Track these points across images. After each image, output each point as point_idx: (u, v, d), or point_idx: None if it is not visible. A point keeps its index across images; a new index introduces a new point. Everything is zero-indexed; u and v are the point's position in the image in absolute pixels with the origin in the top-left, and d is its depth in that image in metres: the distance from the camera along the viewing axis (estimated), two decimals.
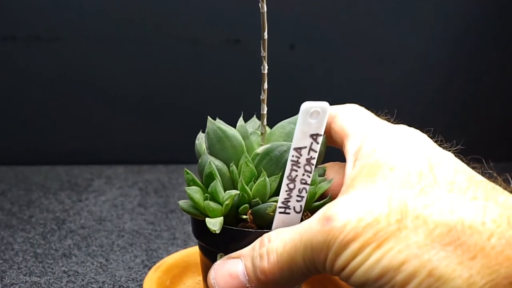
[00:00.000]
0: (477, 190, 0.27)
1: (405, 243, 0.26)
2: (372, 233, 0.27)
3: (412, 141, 0.31)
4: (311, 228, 0.29)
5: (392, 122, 0.35)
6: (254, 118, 0.39)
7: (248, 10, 0.74)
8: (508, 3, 0.79)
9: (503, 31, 0.80)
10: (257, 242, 0.32)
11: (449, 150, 0.32)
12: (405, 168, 0.29)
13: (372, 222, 0.27)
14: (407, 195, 0.28)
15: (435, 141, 0.32)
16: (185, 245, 0.56)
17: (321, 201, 0.36)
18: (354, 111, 0.36)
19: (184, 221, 0.62)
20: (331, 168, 0.38)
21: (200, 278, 0.45)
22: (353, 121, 0.35)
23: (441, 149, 0.31)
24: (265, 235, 0.32)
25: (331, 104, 0.32)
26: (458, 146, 0.33)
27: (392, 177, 0.29)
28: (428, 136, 0.33)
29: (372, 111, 0.36)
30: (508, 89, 0.83)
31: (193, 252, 0.47)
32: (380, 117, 0.36)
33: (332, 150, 0.38)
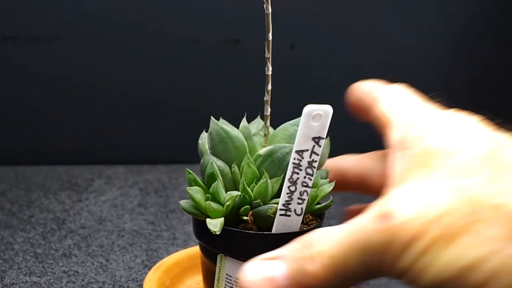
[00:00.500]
0: None
1: (481, 238, 0.23)
2: (439, 229, 0.24)
3: (465, 124, 0.28)
4: (366, 228, 0.26)
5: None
6: (258, 119, 0.39)
7: (248, 10, 0.74)
8: (508, 3, 0.79)
9: (503, 31, 0.80)
10: (298, 244, 0.28)
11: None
12: (463, 154, 0.26)
13: (437, 216, 0.24)
14: (474, 183, 0.25)
15: (490, 124, 0.29)
16: (185, 245, 0.56)
17: (323, 204, 0.36)
18: (399, 94, 0.32)
19: (184, 221, 0.62)
20: (372, 157, 0.35)
21: (200, 278, 0.45)
22: (397, 107, 0.31)
23: (501, 131, 0.28)
24: (308, 235, 0.28)
25: (331, 104, 0.32)
26: None
27: (450, 164, 0.26)
28: (483, 119, 0.29)
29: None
30: (508, 89, 0.83)
31: (193, 252, 0.47)
32: (430, 101, 0.32)
33: (336, 152, 0.37)
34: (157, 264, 0.45)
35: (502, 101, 0.83)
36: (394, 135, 0.30)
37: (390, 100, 0.32)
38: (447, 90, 0.90)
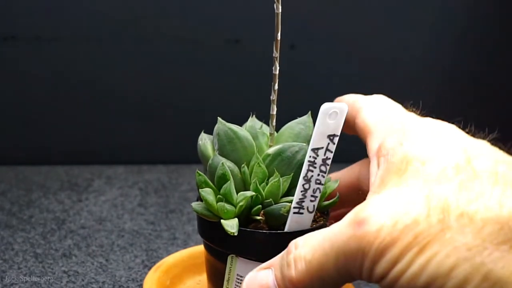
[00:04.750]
0: None
1: (451, 246, 0.24)
2: (412, 237, 0.24)
3: (442, 132, 0.29)
4: (342, 234, 0.26)
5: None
6: (254, 118, 0.39)
7: (248, 10, 0.74)
8: (509, 3, 0.79)
9: (504, 31, 0.80)
10: (286, 249, 0.30)
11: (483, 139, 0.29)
12: (439, 161, 0.26)
13: (410, 224, 0.25)
14: (446, 190, 0.25)
15: (467, 132, 0.30)
16: (185, 245, 0.56)
17: (330, 201, 0.37)
18: (379, 104, 0.34)
19: (184, 221, 0.62)
20: (363, 164, 0.36)
21: (200, 278, 0.45)
22: (377, 116, 0.32)
23: (475, 139, 0.29)
24: (292, 241, 0.29)
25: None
26: (494, 134, 0.31)
27: (425, 171, 0.26)
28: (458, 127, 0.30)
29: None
30: (508, 89, 0.83)
31: (193, 252, 0.47)
32: (408, 109, 0.33)
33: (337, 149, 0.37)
34: (157, 264, 0.45)
35: (502, 101, 0.83)
36: (373, 142, 0.31)
37: (371, 110, 0.33)
38: (447, 90, 0.91)
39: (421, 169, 0.26)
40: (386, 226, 0.25)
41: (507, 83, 0.83)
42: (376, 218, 0.25)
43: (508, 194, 0.24)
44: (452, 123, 0.31)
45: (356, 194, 0.37)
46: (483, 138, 0.29)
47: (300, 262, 0.28)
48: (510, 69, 0.82)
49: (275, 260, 0.30)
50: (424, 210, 0.25)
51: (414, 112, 0.33)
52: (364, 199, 0.32)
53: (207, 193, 0.35)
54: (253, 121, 0.38)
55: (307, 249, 0.28)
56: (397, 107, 0.33)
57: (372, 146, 0.31)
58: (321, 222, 0.37)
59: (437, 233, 0.24)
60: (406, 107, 0.34)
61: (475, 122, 0.91)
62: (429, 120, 0.31)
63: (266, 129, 0.38)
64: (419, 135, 0.29)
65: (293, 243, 0.29)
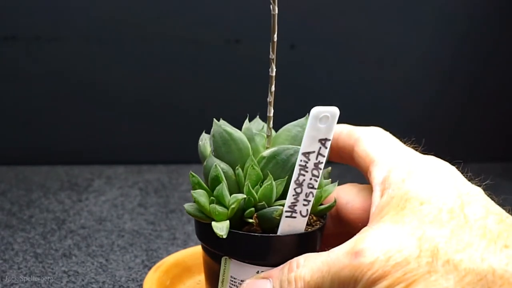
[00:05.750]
0: (508, 237, 0.28)
1: (433, 287, 0.27)
2: (401, 273, 0.27)
3: (442, 175, 0.31)
4: (339, 261, 0.30)
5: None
6: (257, 119, 0.39)
7: (248, 10, 0.74)
8: (509, 3, 0.79)
9: (504, 31, 0.80)
10: (286, 265, 0.33)
11: (479, 185, 0.32)
12: (436, 204, 0.29)
13: (401, 261, 0.28)
14: (438, 236, 0.28)
15: (465, 175, 0.32)
16: (185, 245, 0.56)
17: (326, 205, 0.36)
18: (379, 136, 0.36)
19: (184, 221, 0.62)
20: (349, 190, 0.38)
21: (200, 278, 0.45)
22: (379, 147, 0.35)
23: (471, 184, 0.31)
24: (294, 259, 0.32)
25: (330, 104, 0.32)
26: (487, 181, 0.33)
27: (422, 212, 0.29)
28: (458, 169, 0.32)
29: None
30: (508, 89, 0.83)
31: (193, 252, 0.47)
32: (406, 145, 0.35)
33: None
34: (157, 264, 0.45)
35: (503, 101, 0.83)
36: (377, 174, 0.33)
37: (371, 140, 0.35)
38: (447, 90, 0.91)
39: (418, 209, 0.29)
40: (379, 260, 0.28)
41: (507, 83, 0.83)
42: (371, 252, 0.28)
43: (491, 249, 0.27)
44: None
45: (335, 218, 0.39)
46: (479, 184, 0.32)
47: (300, 281, 0.31)
48: (510, 69, 0.82)
49: (274, 272, 0.33)
50: (416, 251, 0.28)
51: (415, 148, 0.35)
52: (344, 223, 0.37)
53: (199, 194, 0.35)
54: (250, 123, 0.38)
55: (307, 270, 0.31)
56: (397, 141, 0.35)
57: (376, 176, 0.33)
58: (318, 226, 0.36)
59: (424, 274, 0.27)
60: (405, 142, 0.36)
61: (475, 122, 0.92)
62: (432, 159, 0.33)
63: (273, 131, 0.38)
64: (421, 175, 0.31)
65: (295, 261, 0.32)
